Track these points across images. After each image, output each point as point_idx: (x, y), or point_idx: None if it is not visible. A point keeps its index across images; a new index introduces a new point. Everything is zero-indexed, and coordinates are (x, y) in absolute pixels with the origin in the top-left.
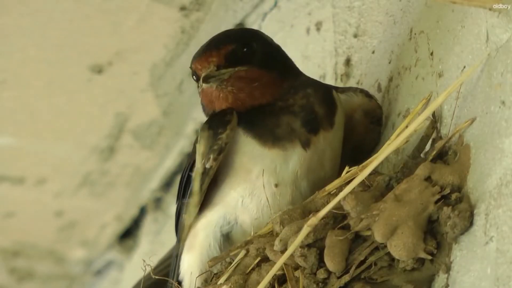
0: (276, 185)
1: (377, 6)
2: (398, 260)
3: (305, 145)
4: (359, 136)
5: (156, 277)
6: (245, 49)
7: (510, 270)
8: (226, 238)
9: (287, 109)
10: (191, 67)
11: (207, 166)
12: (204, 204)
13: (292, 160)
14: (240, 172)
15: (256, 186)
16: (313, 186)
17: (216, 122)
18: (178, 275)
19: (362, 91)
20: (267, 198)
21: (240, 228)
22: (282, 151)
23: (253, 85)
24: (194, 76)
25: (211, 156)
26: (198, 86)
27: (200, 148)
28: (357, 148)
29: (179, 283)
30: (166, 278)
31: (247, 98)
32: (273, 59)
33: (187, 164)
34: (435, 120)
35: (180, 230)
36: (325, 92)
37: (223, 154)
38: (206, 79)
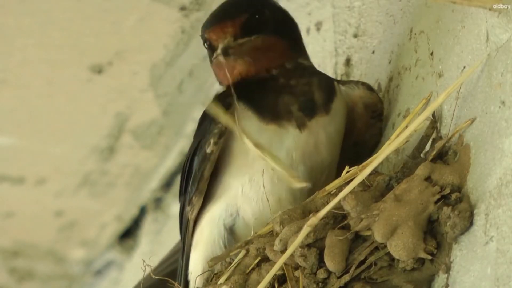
0: (273, 168)
1: (377, 6)
2: (398, 260)
3: (301, 126)
4: (359, 131)
5: (156, 277)
6: (257, 16)
7: (510, 270)
8: (230, 232)
9: (289, 88)
10: (203, 36)
11: (208, 151)
12: (207, 197)
13: (287, 140)
14: (238, 157)
15: (254, 171)
16: (311, 171)
17: (218, 104)
18: (186, 275)
19: (363, 84)
20: (263, 184)
21: (242, 220)
22: (278, 127)
23: (268, 54)
24: (206, 44)
25: (212, 140)
26: (211, 56)
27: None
28: (358, 144)
29: (187, 282)
30: (166, 278)
31: (258, 67)
32: (284, 25)
33: (189, 152)
34: (435, 120)
35: (184, 225)
36: (326, 82)
37: (224, 138)
38: (225, 51)
